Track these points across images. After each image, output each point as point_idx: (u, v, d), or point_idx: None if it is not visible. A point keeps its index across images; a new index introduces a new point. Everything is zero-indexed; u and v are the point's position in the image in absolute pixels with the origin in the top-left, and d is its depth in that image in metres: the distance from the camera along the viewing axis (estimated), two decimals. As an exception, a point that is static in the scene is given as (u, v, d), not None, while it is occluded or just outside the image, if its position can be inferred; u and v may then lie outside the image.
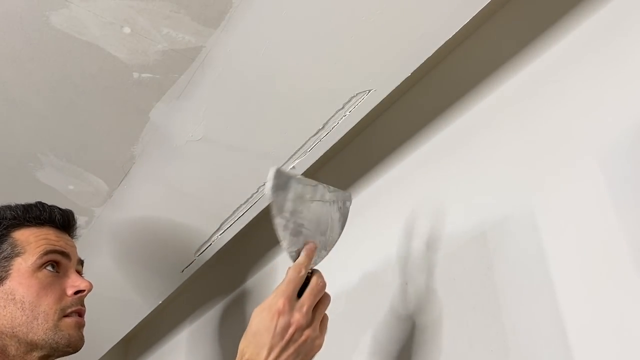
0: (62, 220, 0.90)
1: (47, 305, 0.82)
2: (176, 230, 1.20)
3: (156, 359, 1.76)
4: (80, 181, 1.15)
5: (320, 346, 0.71)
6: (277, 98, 0.91)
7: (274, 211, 0.70)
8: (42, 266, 0.84)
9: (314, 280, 0.71)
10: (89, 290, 0.86)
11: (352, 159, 1.15)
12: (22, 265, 0.83)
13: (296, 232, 0.72)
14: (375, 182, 1.07)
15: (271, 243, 1.31)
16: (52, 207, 0.90)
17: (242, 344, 0.69)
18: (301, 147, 0.98)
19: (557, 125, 0.78)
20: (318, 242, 0.74)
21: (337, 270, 1.10)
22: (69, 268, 0.87)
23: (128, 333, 1.60)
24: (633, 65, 0.70)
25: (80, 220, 1.23)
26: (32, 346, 0.81)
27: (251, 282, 1.37)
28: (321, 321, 0.72)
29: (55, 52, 0.88)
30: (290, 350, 0.68)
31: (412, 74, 0.86)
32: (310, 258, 0.72)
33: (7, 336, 0.81)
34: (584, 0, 0.78)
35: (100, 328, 1.52)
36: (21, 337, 0.81)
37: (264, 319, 0.68)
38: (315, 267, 0.74)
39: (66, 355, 0.84)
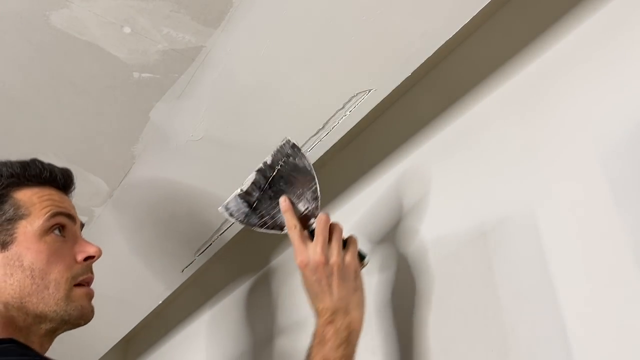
0: (63, 181, 0.84)
1: (58, 273, 0.75)
2: (176, 230, 1.20)
3: (156, 358, 1.76)
4: (80, 181, 1.15)
5: (353, 262, 0.80)
6: (277, 98, 0.91)
7: (253, 227, 0.83)
8: (49, 229, 0.77)
9: (316, 222, 0.79)
10: (99, 256, 0.80)
11: (352, 159, 1.15)
12: (28, 229, 0.75)
13: (278, 216, 0.82)
14: (375, 182, 1.07)
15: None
16: (51, 166, 0.83)
17: (311, 303, 0.80)
18: (301, 147, 0.98)
19: (558, 124, 0.78)
20: (294, 197, 0.82)
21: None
22: (75, 232, 0.81)
23: (128, 333, 1.60)
24: (634, 65, 0.70)
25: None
26: (41, 318, 0.74)
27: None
28: (346, 243, 0.81)
29: (55, 52, 0.88)
30: (335, 281, 0.77)
31: (412, 73, 0.86)
32: (289, 210, 0.81)
33: (14, 307, 0.73)
34: (584, 0, 0.78)
35: (100, 328, 1.52)
36: (30, 308, 0.73)
37: (304, 279, 0.79)
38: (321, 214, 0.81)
39: (75, 328, 0.78)
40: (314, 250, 0.78)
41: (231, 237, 1.20)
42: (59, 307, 0.74)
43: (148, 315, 1.49)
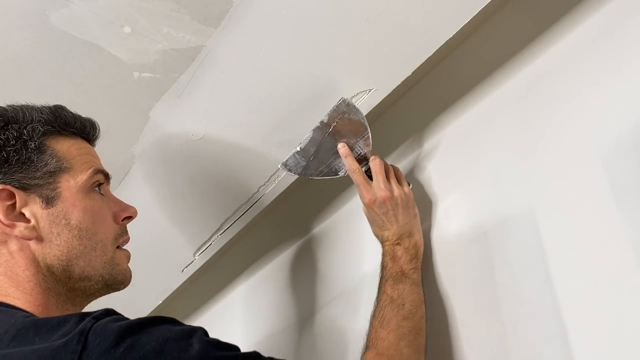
0: (92, 133, 0.78)
1: (104, 234, 0.71)
2: (176, 230, 1.20)
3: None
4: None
5: (410, 192, 0.89)
6: (277, 98, 0.91)
7: (310, 177, 0.92)
8: (92, 186, 0.72)
9: (372, 164, 0.88)
10: (135, 217, 0.78)
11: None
12: (71, 184, 0.69)
13: (334, 164, 0.91)
14: (375, 182, 1.07)
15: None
16: (77, 115, 0.76)
17: (376, 232, 0.89)
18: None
19: (558, 124, 0.78)
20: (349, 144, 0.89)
21: (338, 271, 1.10)
22: (108, 191, 0.77)
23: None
24: (635, 65, 0.70)
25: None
26: (83, 281, 0.69)
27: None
28: (396, 177, 0.89)
29: (55, 52, 0.88)
30: (400, 211, 0.86)
31: (412, 73, 0.86)
32: (350, 155, 0.89)
33: (58, 270, 0.68)
34: (584, 0, 0.78)
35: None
36: (76, 271, 0.68)
37: (370, 213, 0.88)
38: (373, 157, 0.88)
39: (113, 292, 0.73)
40: (378, 187, 0.86)
41: (230, 237, 1.20)
42: (105, 271, 0.70)
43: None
